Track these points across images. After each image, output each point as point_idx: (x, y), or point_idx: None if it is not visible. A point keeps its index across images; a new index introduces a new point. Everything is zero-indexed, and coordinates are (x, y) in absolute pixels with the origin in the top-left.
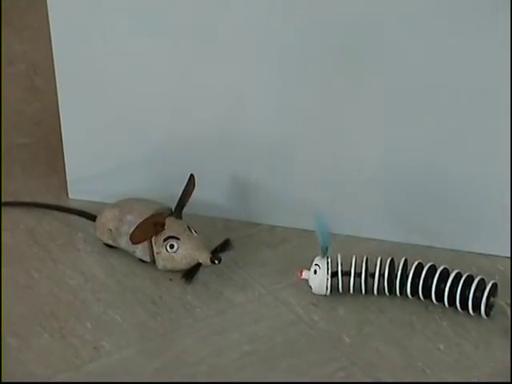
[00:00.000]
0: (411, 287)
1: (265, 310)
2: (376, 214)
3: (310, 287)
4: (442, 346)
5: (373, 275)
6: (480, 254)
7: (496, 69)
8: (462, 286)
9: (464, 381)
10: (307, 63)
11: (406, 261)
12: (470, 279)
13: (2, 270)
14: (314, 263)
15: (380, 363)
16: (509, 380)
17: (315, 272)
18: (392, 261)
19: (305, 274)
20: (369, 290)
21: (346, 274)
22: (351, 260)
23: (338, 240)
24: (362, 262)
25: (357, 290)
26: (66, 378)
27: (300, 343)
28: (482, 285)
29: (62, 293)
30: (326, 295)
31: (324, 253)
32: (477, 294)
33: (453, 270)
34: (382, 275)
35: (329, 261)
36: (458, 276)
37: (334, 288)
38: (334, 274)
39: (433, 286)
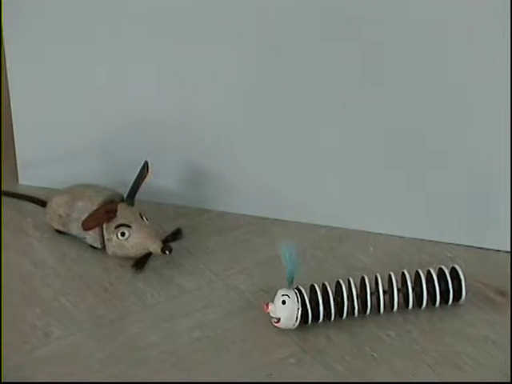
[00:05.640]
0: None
1: (215, 296)
2: (327, 201)
3: (276, 320)
4: (392, 333)
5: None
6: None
7: None
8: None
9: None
10: (272, 56)
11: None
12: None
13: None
14: (281, 294)
15: (329, 349)
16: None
17: (283, 303)
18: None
19: (271, 307)
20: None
21: (316, 303)
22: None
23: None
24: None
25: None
26: (15, 363)
27: (250, 329)
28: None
29: (12, 279)
30: (293, 326)
31: (290, 283)
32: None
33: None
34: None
35: (297, 291)
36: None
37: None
38: (303, 304)
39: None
